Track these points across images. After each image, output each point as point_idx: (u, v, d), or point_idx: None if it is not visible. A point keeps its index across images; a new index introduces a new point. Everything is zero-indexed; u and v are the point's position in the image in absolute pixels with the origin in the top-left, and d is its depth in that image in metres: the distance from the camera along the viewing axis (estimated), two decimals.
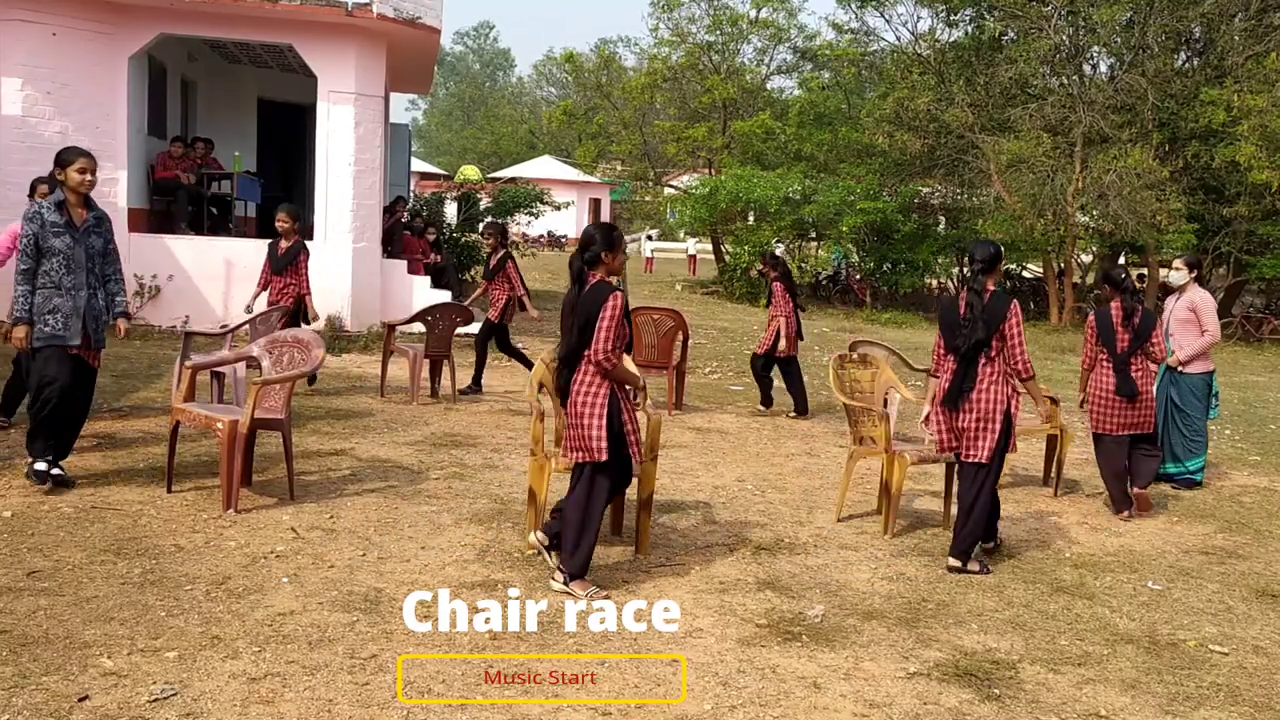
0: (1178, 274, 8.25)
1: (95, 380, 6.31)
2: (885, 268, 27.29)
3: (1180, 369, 8.06)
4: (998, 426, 5.54)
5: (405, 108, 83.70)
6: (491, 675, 3.95)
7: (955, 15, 26.34)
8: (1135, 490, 7.24)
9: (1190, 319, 8.05)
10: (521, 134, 66.96)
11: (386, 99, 15.36)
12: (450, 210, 22.18)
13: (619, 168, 38.28)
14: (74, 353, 5.92)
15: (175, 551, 5.07)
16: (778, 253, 10.89)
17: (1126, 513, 7.07)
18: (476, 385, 10.32)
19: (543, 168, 50.80)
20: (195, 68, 16.17)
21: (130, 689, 3.64)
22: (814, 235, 28.96)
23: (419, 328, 10.31)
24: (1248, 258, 23.20)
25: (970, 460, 5.62)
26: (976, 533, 5.65)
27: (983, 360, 5.59)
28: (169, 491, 6.03)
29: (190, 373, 6.37)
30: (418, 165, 40.57)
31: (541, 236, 41.23)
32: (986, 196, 25.87)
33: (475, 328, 10.72)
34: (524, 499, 5.90)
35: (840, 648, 4.47)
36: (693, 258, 36.11)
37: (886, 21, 30.62)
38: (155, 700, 3.57)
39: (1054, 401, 7.74)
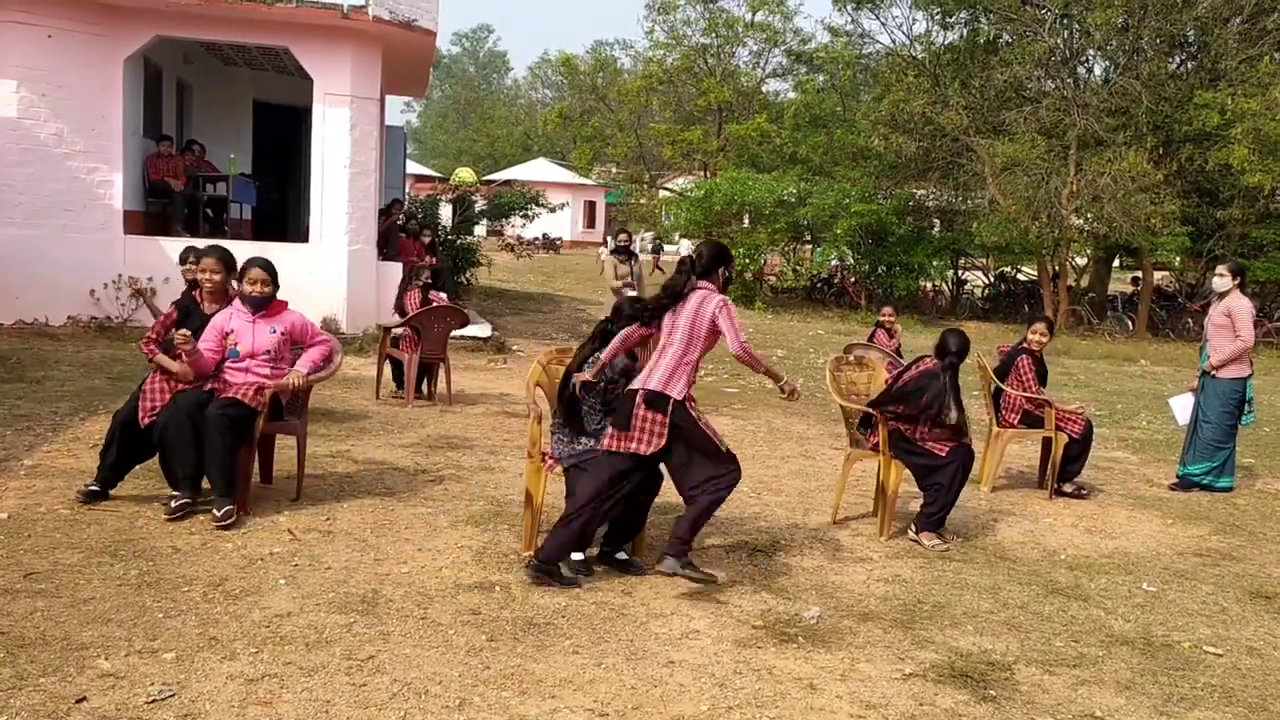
0: (1220, 280, 8.29)
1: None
2: (880, 270, 27.31)
3: (1214, 373, 8.12)
4: None
5: (400, 110, 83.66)
6: (488, 677, 3.95)
7: (950, 18, 26.40)
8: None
9: (1225, 324, 8.10)
10: (516, 136, 66.95)
11: (382, 101, 15.37)
12: (445, 212, 22.19)
13: (614, 170, 38.30)
14: None
15: (172, 553, 5.06)
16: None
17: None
18: None
19: (538, 170, 50.77)
20: (191, 70, 16.16)
21: (128, 690, 3.64)
22: (809, 238, 29.00)
23: None
24: (1242, 261, 23.24)
25: None
26: None
27: None
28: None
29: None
30: (413, 168, 40.57)
31: (536, 239, 41.25)
32: (981, 199, 25.91)
33: (472, 330, 10.71)
34: (520, 501, 5.90)
35: (836, 649, 4.48)
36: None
37: (882, 24, 30.77)
38: (153, 701, 3.57)
39: (1049, 405, 7.77)
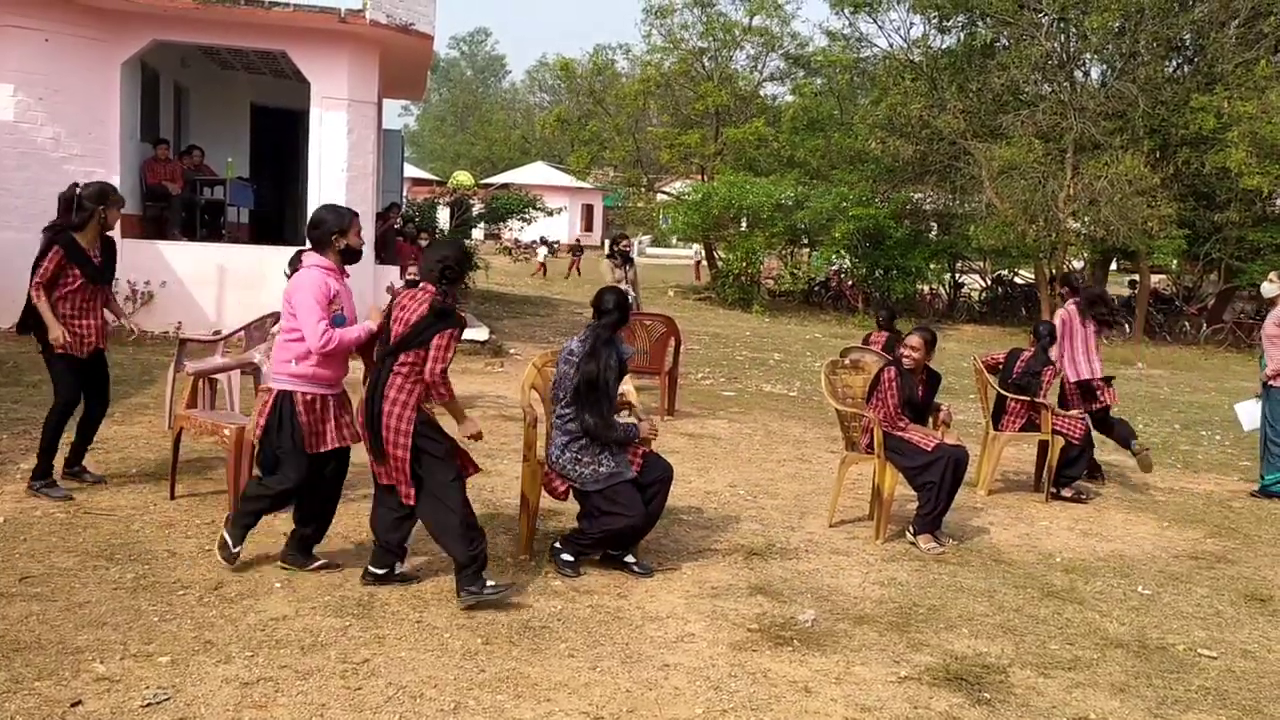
0: (1269, 286, 8.23)
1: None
2: (878, 274, 27.34)
3: (1272, 383, 8.08)
4: None
5: (398, 113, 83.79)
6: (483, 680, 3.96)
7: (948, 22, 26.43)
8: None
9: (1277, 334, 8.03)
10: (514, 140, 67.01)
11: (379, 105, 15.37)
12: (443, 216, 22.20)
13: (612, 174, 38.29)
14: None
15: (168, 557, 5.07)
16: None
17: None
18: None
19: (535, 174, 50.86)
20: (188, 74, 16.16)
21: (123, 694, 3.64)
22: (807, 241, 29.02)
23: None
24: (1238, 264, 23.29)
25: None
26: None
27: None
28: (171, 498, 6.01)
29: (192, 379, 6.37)
30: (411, 171, 40.58)
31: (534, 242, 41.26)
32: (979, 203, 25.92)
33: (469, 333, 10.72)
34: (516, 504, 5.90)
35: (831, 652, 4.49)
36: (699, 263, 35.72)
37: (879, 28, 30.79)
38: (148, 705, 3.57)
39: (1046, 408, 7.78)
